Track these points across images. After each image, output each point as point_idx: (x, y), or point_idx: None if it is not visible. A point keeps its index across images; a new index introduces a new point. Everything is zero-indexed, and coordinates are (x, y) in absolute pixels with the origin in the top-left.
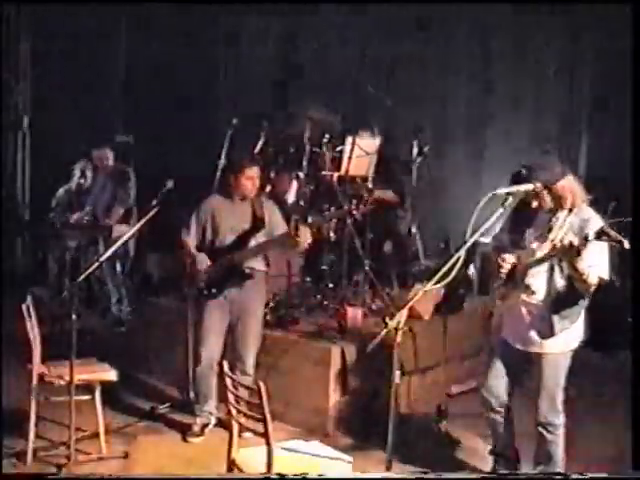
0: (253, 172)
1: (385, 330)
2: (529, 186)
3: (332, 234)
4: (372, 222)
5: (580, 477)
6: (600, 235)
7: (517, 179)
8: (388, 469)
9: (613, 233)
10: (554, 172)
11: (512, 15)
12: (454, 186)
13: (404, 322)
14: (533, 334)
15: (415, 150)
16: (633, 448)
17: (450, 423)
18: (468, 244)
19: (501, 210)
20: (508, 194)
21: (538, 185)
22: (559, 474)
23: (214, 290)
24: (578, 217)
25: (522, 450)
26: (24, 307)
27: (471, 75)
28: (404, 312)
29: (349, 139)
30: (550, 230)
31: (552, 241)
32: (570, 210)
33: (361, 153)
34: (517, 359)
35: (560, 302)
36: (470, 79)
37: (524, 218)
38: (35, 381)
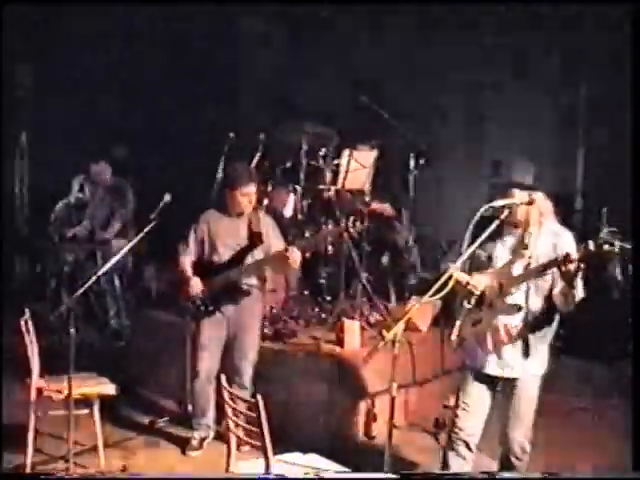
0: (249, 189)
1: (382, 342)
2: (524, 197)
3: (329, 247)
4: (369, 235)
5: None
6: (602, 244)
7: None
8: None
9: (615, 241)
10: (531, 179)
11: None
12: (451, 198)
13: (401, 334)
14: (510, 358)
15: (412, 163)
16: (633, 448)
17: None
18: (464, 257)
19: (497, 222)
20: (503, 207)
21: (533, 195)
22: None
23: (210, 307)
24: (549, 232)
25: None
26: (22, 322)
27: (468, 84)
28: (400, 324)
29: (346, 152)
30: (526, 247)
31: (529, 258)
32: (540, 225)
33: (358, 166)
34: (492, 387)
35: (535, 322)
36: (467, 88)
37: (488, 234)
38: (34, 395)
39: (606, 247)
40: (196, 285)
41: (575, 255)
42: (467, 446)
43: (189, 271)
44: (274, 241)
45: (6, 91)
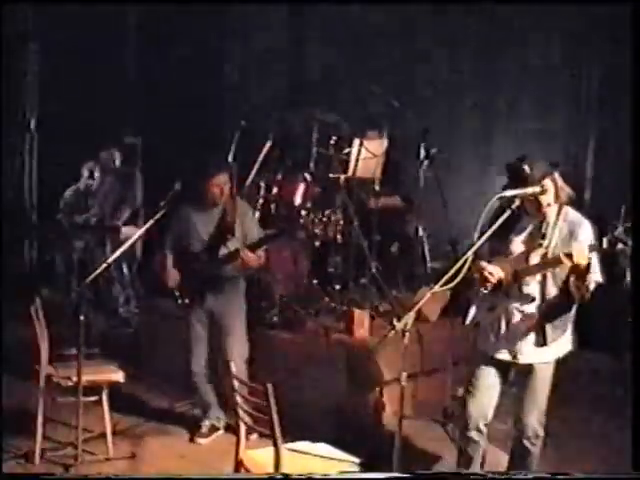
0: (220, 180)
1: (392, 332)
2: (536, 188)
3: (339, 236)
4: (379, 224)
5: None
6: (615, 242)
7: (515, 173)
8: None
9: (629, 240)
10: (546, 165)
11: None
12: (462, 188)
13: (411, 324)
14: (524, 344)
15: (422, 152)
16: (633, 448)
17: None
18: (475, 247)
19: (508, 212)
20: (515, 196)
21: (545, 186)
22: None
23: (186, 300)
24: (566, 222)
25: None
26: (32, 309)
27: (477, 75)
28: (411, 314)
29: (356, 141)
30: (544, 237)
31: (546, 248)
32: (558, 214)
33: (368, 155)
34: (504, 372)
35: (552, 311)
36: (476, 79)
37: (506, 223)
38: (43, 382)
39: (620, 246)
40: (172, 277)
41: (586, 253)
42: (478, 429)
43: (169, 264)
44: (250, 230)
45: (13, 76)
